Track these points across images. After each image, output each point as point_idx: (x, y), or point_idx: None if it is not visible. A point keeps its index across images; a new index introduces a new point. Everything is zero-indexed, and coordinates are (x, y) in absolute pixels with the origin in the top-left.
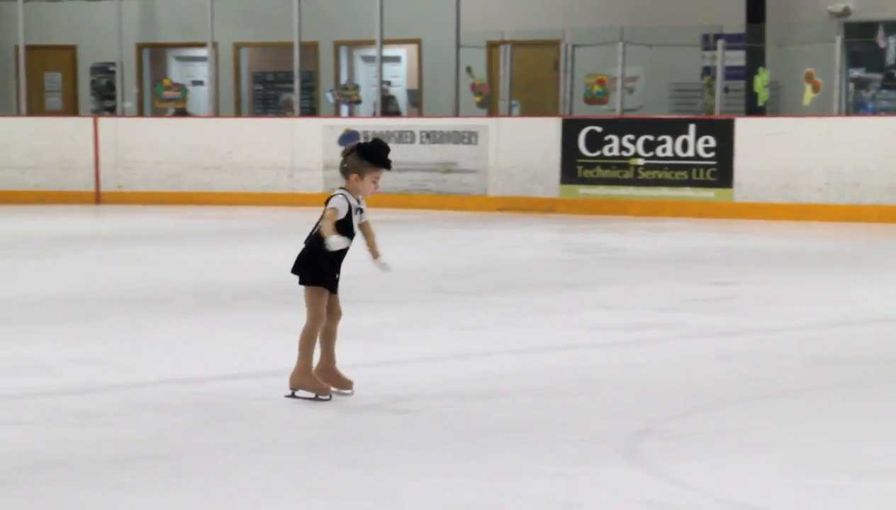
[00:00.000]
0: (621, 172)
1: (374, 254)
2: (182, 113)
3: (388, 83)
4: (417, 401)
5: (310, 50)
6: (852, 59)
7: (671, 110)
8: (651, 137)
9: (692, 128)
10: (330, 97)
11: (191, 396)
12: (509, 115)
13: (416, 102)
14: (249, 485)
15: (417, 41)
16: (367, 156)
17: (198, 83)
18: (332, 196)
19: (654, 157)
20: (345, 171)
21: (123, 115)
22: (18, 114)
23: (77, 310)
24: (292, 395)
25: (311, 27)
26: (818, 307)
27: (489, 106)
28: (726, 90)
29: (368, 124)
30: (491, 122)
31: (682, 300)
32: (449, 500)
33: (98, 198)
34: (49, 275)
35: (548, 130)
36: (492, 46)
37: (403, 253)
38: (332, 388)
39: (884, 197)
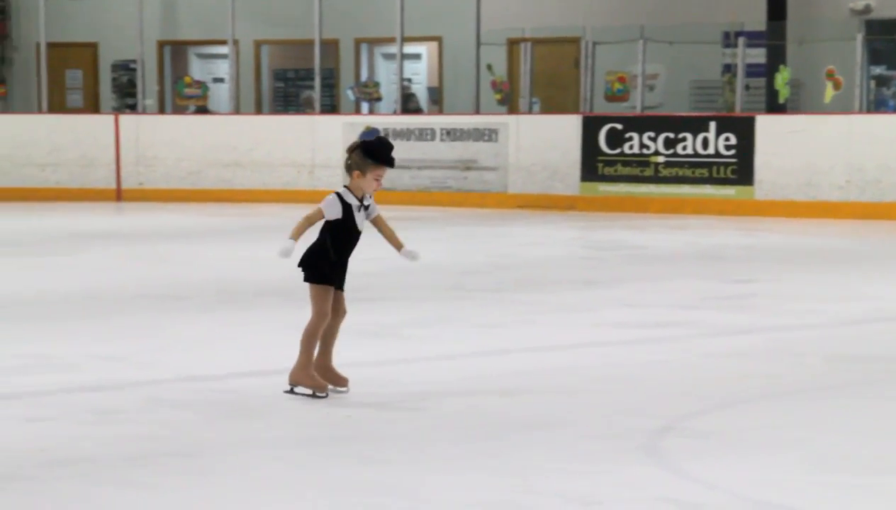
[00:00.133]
0: (642, 170)
1: (397, 245)
2: (203, 110)
3: (409, 80)
4: (436, 399)
5: (330, 47)
6: (873, 57)
7: (692, 108)
8: (671, 135)
9: (713, 125)
10: (350, 94)
11: (210, 393)
12: (530, 112)
13: (437, 100)
14: (267, 482)
15: (438, 38)
16: (370, 153)
17: (219, 80)
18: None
19: (675, 155)
20: (348, 167)
21: (144, 112)
22: (40, 111)
23: (97, 307)
24: (291, 391)
25: (332, 24)
26: (838, 305)
27: (509, 103)
28: (747, 88)
29: (389, 121)
30: (511, 120)
31: (703, 298)
32: (467, 497)
33: (119, 195)
34: (69, 272)
35: (568, 128)
36: (512, 44)
37: (423, 250)
38: (329, 386)
39: None
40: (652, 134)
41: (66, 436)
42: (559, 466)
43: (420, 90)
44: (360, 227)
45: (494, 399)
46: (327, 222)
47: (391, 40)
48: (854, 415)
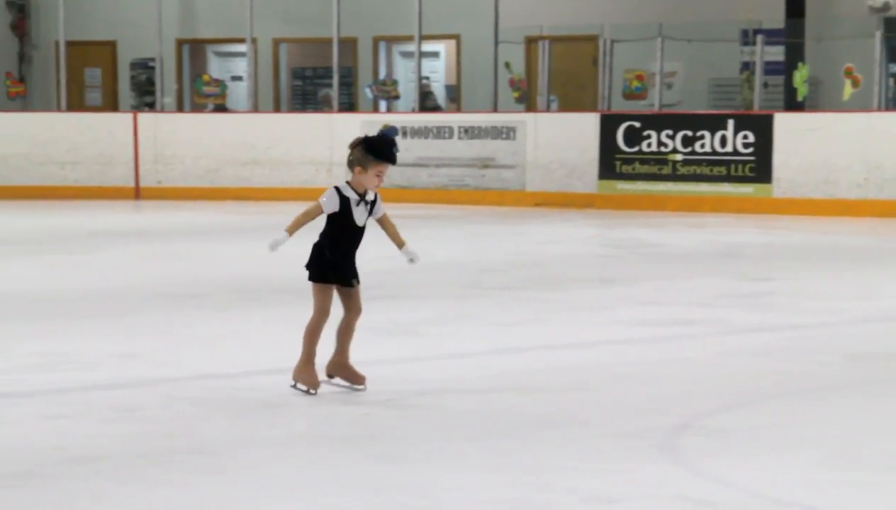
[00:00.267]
0: (660, 168)
1: (399, 243)
2: (221, 108)
3: (427, 78)
4: (453, 397)
5: (348, 45)
6: (892, 54)
7: (710, 106)
8: (689, 133)
9: (731, 123)
10: (368, 92)
11: (227, 391)
12: (547, 110)
13: (454, 98)
14: (283, 480)
15: (456, 37)
16: (371, 149)
17: (237, 79)
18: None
19: (693, 153)
20: (350, 163)
21: (163, 110)
22: (59, 109)
23: (115, 306)
24: (294, 386)
25: (350, 23)
26: (856, 303)
27: (527, 101)
28: (765, 85)
29: (407, 119)
30: (529, 118)
31: (720, 296)
32: (483, 496)
33: (137, 193)
34: (88, 270)
35: (586, 126)
36: (530, 42)
37: (441, 248)
38: (345, 383)
39: None
40: (670, 132)
41: (83, 433)
42: (575, 464)
43: (438, 88)
44: (359, 222)
45: (511, 397)
46: (328, 217)
47: (409, 38)
48: (871, 413)
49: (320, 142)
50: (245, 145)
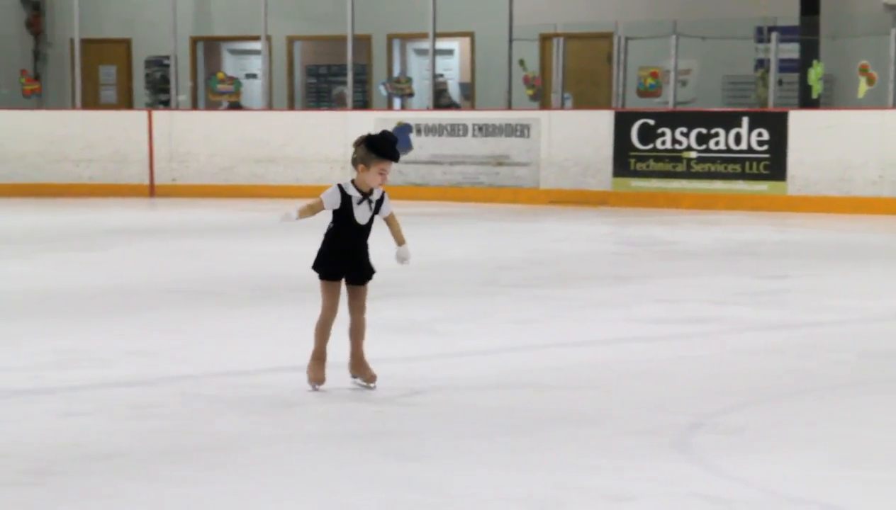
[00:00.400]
0: (674, 165)
1: (398, 240)
2: (236, 106)
3: (441, 76)
4: (468, 394)
5: (363, 43)
6: None
7: (724, 103)
8: (704, 130)
9: (745, 121)
10: (383, 90)
11: (243, 389)
12: (562, 107)
13: (469, 95)
14: (299, 477)
15: (470, 34)
16: (373, 147)
17: (251, 76)
18: None
19: (707, 150)
20: (354, 162)
21: (178, 108)
22: (73, 107)
23: (131, 303)
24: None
25: (364, 20)
26: (871, 301)
27: (542, 99)
28: (780, 83)
29: (421, 117)
30: (543, 115)
31: (735, 293)
32: (499, 493)
33: (152, 191)
34: (103, 267)
35: (600, 123)
36: (544, 39)
37: (455, 246)
38: (359, 382)
39: None
40: (684, 129)
41: (99, 430)
42: (591, 462)
43: (452, 86)
44: (360, 221)
45: (526, 394)
46: (332, 214)
47: (423, 36)
48: (887, 410)
49: (334, 139)
50: (259, 143)
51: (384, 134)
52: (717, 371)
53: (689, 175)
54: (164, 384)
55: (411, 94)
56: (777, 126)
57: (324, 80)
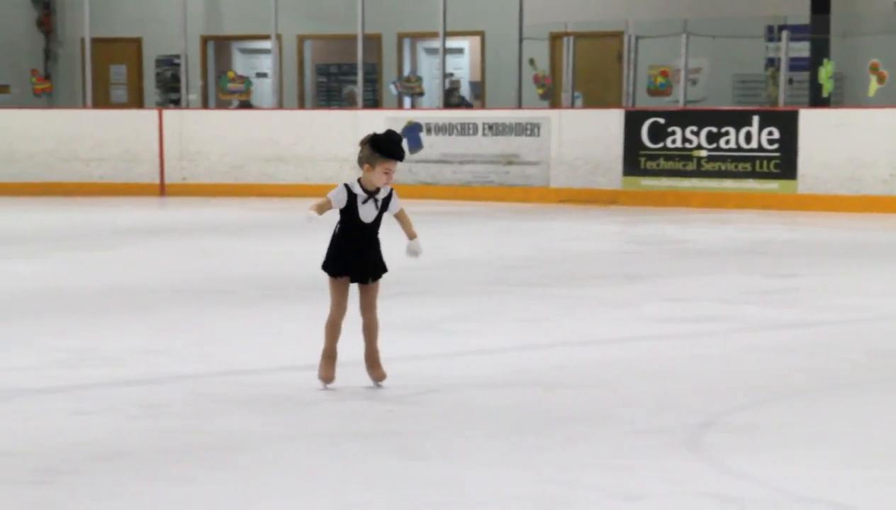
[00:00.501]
0: (684, 164)
1: (409, 234)
2: (246, 105)
3: (452, 75)
4: (477, 393)
5: (373, 42)
6: None
7: (735, 102)
8: (714, 129)
9: (756, 119)
10: (393, 89)
11: (252, 387)
12: (572, 106)
13: (479, 94)
14: (308, 476)
15: (480, 33)
16: (377, 147)
17: (262, 75)
18: None
19: (718, 149)
20: (359, 160)
21: (188, 107)
22: (84, 106)
23: (141, 302)
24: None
25: (375, 19)
26: (881, 299)
27: (552, 98)
28: (790, 81)
29: (431, 116)
30: (553, 114)
31: (745, 292)
32: (508, 492)
33: (162, 190)
34: (113, 266)
35: (610, 122)
36: (555, 38)
37: (465, 245)
38: (378, 381)
39: None
40: (695, 128)
41: (109, 429)
42: (601, 461)
43: (462, 85)
44: (365, 219)
45: (535, 393)
46: (339, 213)
47: (434, 35)
48: None
49: (345, 138)
50: (270, 142)
51: (389, 133)
52: (727, 370)
53: (699, 174)
54: (174, 383)
55: (421, 93)
56: (787, 125)
57: (334, 79)
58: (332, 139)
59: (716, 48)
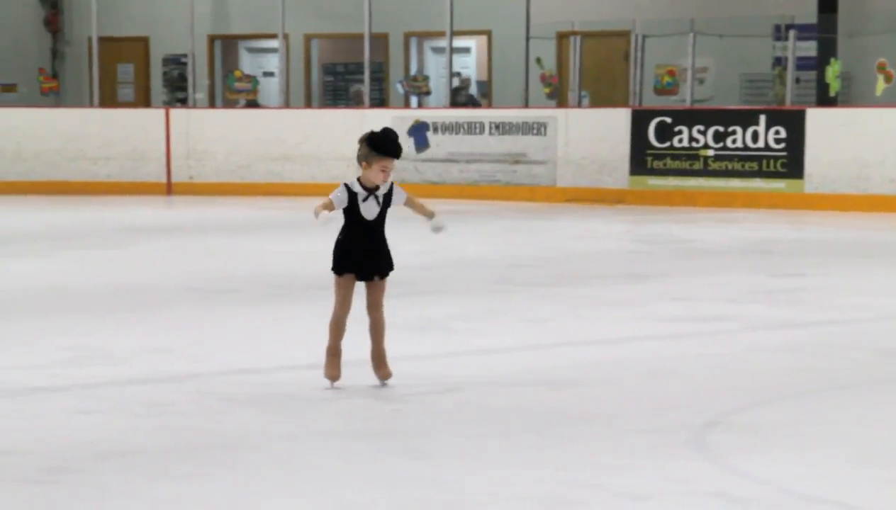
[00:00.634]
0: (691, 163)
1: (427, 214)
2: (253, 104)
3: (459, 74)
4: (483, 392)
5: (380, 41)
6: None
7: (742, 101)
8: (721, 128)
9: (763, 119)
10: (400, 88)
11: (258, 386)
12: (579, 106)
13: (486, 94)
14: (313, 475)
15: (487, 32)
16: (374, 145)
17: (269, 74)
18: None
19: (725, 148)
20: (358, 159)
21: (195, 106)
22: (91, 105)
23: (147, 301)
24: None
25: (382, 18)
26: (888, 299)
27: (558, 97)
28: (797, 81)
29: (438, 115)
30: (560, 113)
31: (752, 292)
32: (513, 491)
33: (169, 189)
34: (119, 265)
35: (617, 121)
36: (561, 37)
37: (471, 244)
38: (383, 380)
39: None
40: (701, 127)
41: (114, 428)
42: (605, 461)
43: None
44: (367, 216)
45: (541, 393)
46: (343, 212)
47: (440, 34)
48: None
49: (351, 137)
50: (276, 141)
51: (385, 131)
52: (733, 369)
53: (706, 173)
54: (179, 382)
55: (428, 93)
56: (794, 124)
57: (341, 78)
58: (339, 138)
59: (723, 47)
